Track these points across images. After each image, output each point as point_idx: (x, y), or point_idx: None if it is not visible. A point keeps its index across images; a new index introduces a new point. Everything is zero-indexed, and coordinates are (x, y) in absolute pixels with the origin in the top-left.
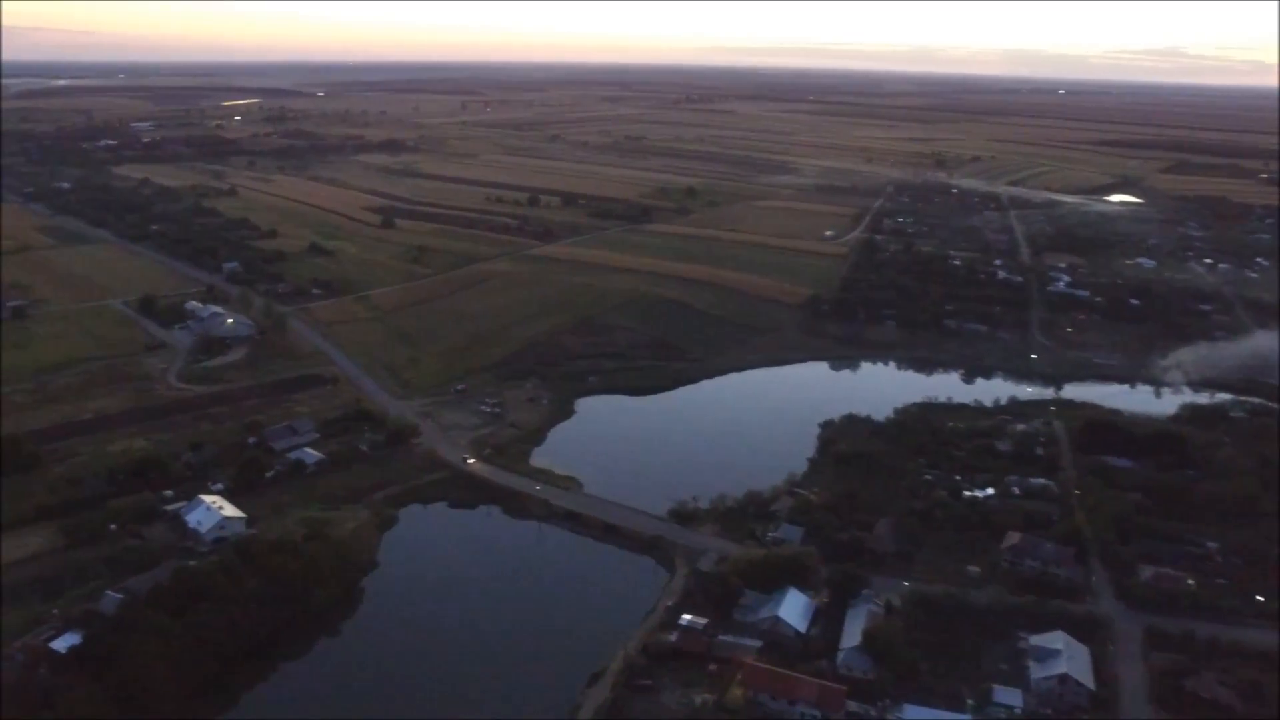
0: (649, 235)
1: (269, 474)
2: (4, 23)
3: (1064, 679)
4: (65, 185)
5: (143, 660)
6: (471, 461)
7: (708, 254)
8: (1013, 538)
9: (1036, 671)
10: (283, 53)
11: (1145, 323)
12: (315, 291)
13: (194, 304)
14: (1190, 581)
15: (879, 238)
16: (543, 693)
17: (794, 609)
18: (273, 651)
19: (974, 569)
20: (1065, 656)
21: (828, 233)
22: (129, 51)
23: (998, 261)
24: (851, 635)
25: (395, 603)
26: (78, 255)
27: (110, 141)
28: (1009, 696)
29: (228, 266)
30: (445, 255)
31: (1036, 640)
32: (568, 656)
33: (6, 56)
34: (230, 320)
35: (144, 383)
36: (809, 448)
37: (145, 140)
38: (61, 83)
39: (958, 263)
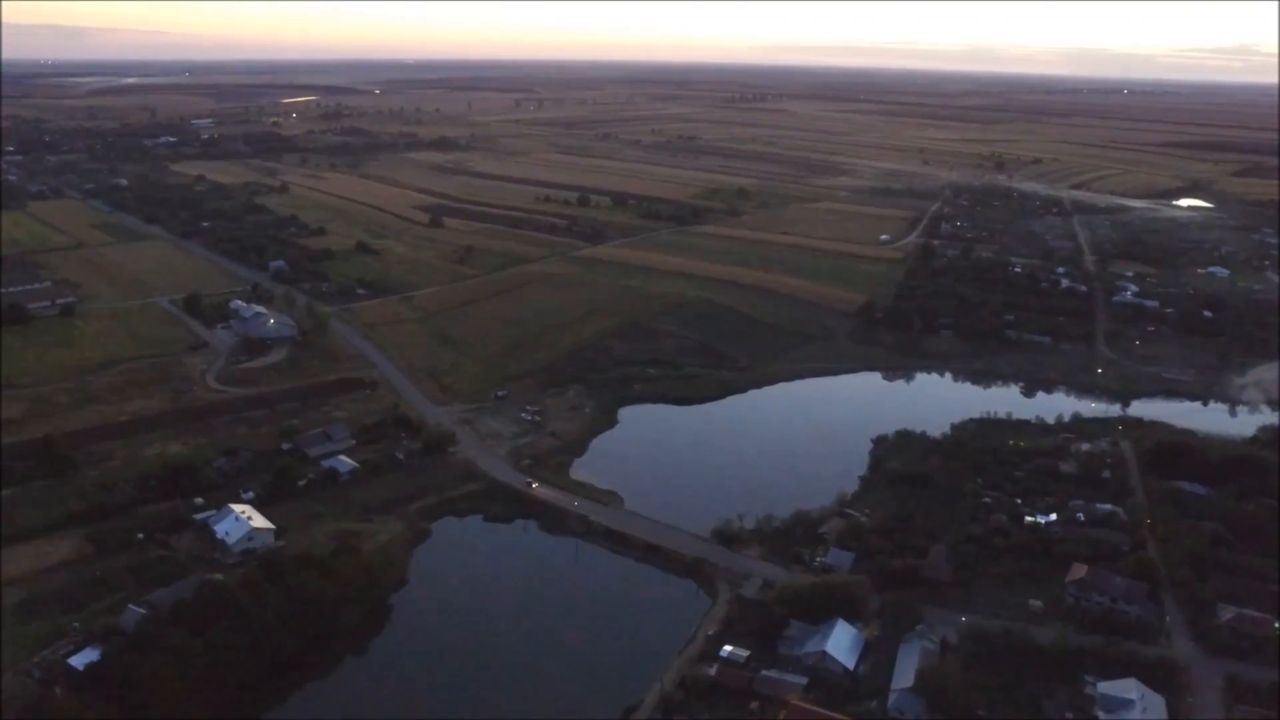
0: (699, 237)
1: (301, 482)
2: (86, 24)
3: None
4: (123, 182)
5: (160, 682)
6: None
7: (759, 257)
8: (1079, 570)
9: None
10: (343, 51)
11: (1219, 336)
12: (360, 291)
13: (238, 303)
14: (1277, 625)
15: (936, 243)
16: None
17: (842, 643)
18: (298, 670)
19: (1036, 603)
20: (1139, 708)
21: (883, 237)
22: (195, 50)
23: (1061, 269)
24: (904, 675)
25: (425, 622)
26: (129, 252)
27: (171, 138)
28: None
29: (274, 265)
30: (492, 256)
31: (1106, 688)
32: (602, 685)
33: (82, 56)
34: (272, 321)
35: (183, 384)
36: (860, 464)
37: (204, 137)
38: (130, 80)
39: (1019, 270)
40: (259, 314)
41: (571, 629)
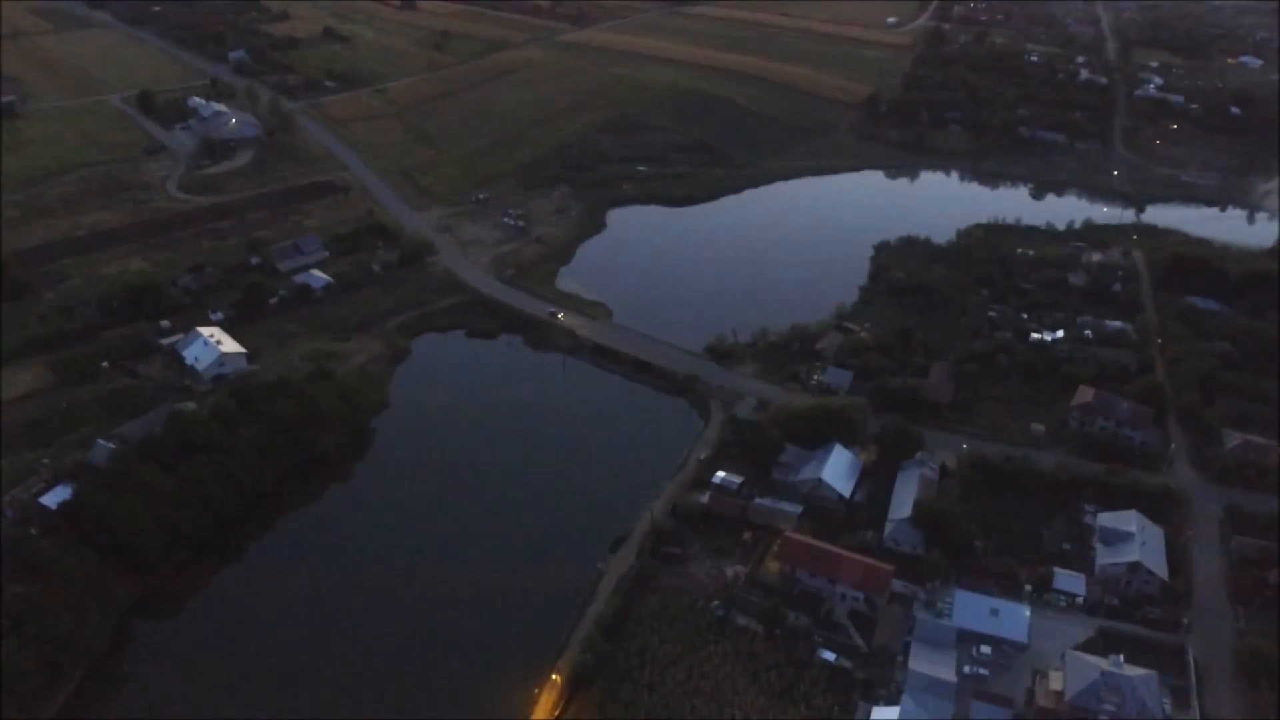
0: (693, 19)
1: (273, 300)
2: None
3: (1135, 567)
4: None
5: (134, 521)
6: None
7: (756, 42)
8: (1085, 394)
9: (1104, 556)
10: None
11: (1246, 136)
12: (328, 84)
13: (196, 100)
14: None
15: (948, 26)
16: (563, 556)
17: (839, 470)
18: (278, 501)
19: (1039, 427)
20: (1138, 542)
21: (891, 19)
22: None
23: (1081, 59)
24: (901, 505)
25: (408, 447)
26: (74, 42)
27: None
28: (1071, 583)
29: (234, 56)
30: (470, 41)
31: (1106, 520)
32: (591, 515)
33: None
34: (234, 120)
35: (142, 193)
36: (860, 273)
37: None
38: None
39: (1035, 59)
40: (220, 113)
41: (559, 452)
